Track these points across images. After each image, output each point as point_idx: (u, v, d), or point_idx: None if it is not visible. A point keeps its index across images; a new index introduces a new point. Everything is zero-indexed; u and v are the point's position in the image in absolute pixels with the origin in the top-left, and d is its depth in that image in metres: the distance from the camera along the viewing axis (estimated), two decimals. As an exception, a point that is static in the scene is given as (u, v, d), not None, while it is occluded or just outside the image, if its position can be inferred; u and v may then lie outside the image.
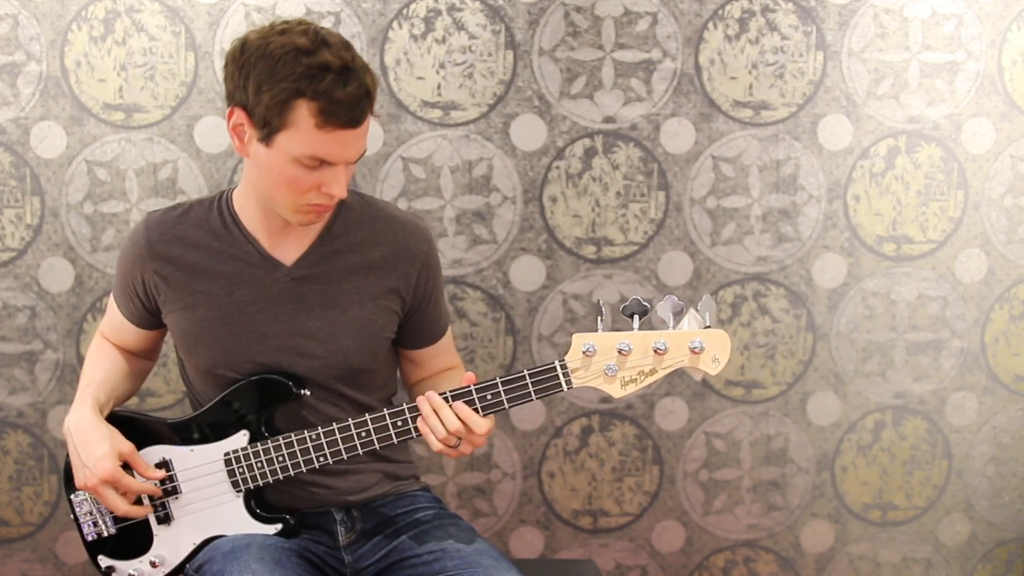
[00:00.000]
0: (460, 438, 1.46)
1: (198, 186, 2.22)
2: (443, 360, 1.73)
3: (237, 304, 1.58)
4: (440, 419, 1.45)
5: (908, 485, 2.47)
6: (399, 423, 1.50)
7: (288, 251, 1.59)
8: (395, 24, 2.21)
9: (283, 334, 1.58)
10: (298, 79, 1.39)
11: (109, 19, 2.17)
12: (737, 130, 2.30)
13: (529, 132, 2.26)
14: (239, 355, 1.58)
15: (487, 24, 2.22)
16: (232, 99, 1.47)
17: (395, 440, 1.51)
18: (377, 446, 1.52)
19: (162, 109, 2.20)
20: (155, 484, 1.57)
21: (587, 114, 2.27)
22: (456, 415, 1.45)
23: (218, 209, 1.62)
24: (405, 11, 2.21)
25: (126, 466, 1.55)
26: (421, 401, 1.47)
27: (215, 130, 2.21)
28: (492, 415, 1.48)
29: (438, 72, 2.23)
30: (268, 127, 1.43)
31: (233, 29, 2.18)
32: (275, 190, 1.49)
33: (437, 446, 1.47)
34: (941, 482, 2.48)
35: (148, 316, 1.67)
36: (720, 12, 2.25)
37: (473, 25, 2.22)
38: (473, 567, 1.51)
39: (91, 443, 1.52)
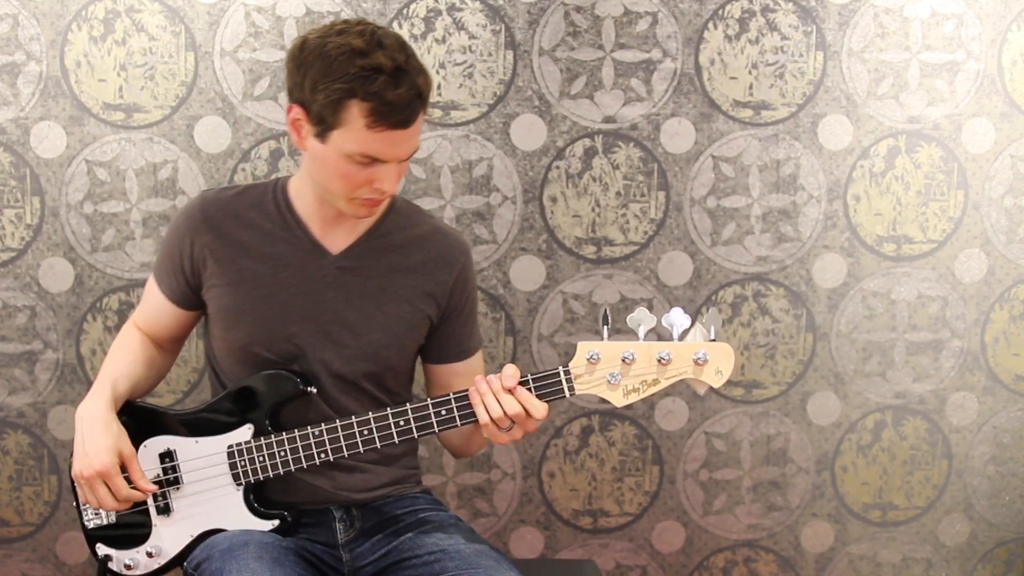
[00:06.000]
0: (514, 422, 1.47)
1: (198, 186, 2.22)
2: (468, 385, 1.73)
3: (281, 285, 1.61)
4: (499, 401, 1.46)
5: (908, 485, 2.47)
6: (401, 422, 1.52)
7: (337, 241, 1.63)
8: (395, 24, 2.21)
9: (320, 320, 1.61)
10: (351, 80, 1.44)
11: (109, 19, 2.17)
12: (737, 130, 2.30)
13: (529, 132, 2.26)
14: (276, 334, 1.60)
15: (487, 24, 2.22)
16: (291, 95, 1.52)
17: (396, 440, 1.52)
18: (378, 444, 1.53)
19: (162, 109, 2.20)
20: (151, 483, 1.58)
21: (587, 114, 2.27)
22: (517, 400, 1.46)
23: (273, 193, 1.65)
24: (405, 11, 2.21)
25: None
26: (479, 380, 1.49)
27: (215, 130, 2.21)
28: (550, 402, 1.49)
29: (438, 72, 2.23)
30: (323, 124, 1.48)
31: (233, 29, 2.18)
32: (329, 183, 1.54)
33: (484, 419, 1.47)
34: (941, 482, 2.48)
35: (189, 294, 1.68)
36: (720, 12, 2.25)
37: (473, 25, 2.22)
38: (473, 568, 1.51)
39: (97, 435, 1.54)
